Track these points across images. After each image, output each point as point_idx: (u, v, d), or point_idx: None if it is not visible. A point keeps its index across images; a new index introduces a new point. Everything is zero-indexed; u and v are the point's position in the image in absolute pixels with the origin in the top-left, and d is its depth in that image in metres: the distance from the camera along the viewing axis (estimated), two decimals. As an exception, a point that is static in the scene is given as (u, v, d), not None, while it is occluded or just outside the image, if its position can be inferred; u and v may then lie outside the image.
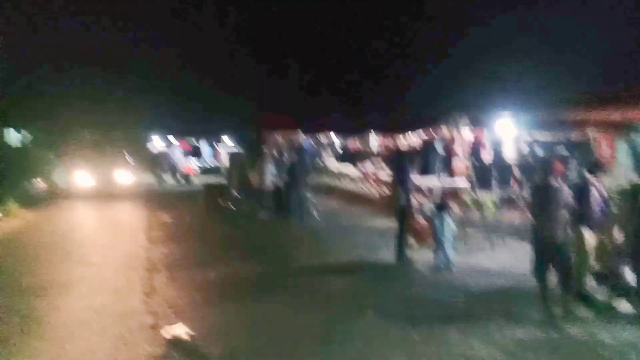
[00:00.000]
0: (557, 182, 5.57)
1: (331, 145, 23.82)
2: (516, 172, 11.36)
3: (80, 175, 15.37)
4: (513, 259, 7.86)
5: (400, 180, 7.67)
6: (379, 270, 7.47)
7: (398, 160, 8.57)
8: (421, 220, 7.53)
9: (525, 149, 12.87)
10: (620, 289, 5.75)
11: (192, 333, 5.00)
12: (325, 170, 18.92)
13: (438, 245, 7.48)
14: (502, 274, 7.12)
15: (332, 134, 23.42)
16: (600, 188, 6.11)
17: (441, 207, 7.72)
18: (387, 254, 8.12)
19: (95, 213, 13.10)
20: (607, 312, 5.48)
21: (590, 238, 5.93)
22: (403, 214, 7.60)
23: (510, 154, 12.53)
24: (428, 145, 11.30)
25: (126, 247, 9.05)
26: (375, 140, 20.53)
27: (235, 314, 5.62)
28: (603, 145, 12.57)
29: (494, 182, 10.99)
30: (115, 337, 5.02)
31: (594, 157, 11.11)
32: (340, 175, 17.68)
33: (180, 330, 5.05)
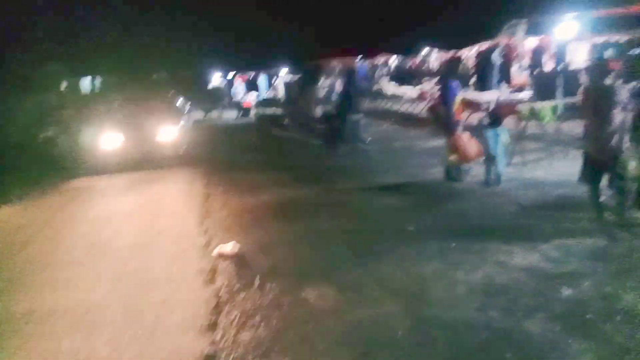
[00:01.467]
0: (612, 82, 5.10)
1: (389, 67, 23.07)
2: (584, 78, 10.47)
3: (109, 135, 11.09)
4: (572, 170, 7.43)
5: (442, 95, 7.35)
6: (426, 189, 7.40)
7: (442, 75, 8.17)
8: (466, 136, 7.24)
9: (594, 53, 11.80)
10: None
11: (240, 250, 5.28)
12: (382, 94, 18.47)
13: (488, 160, 7.23)
14: (558, 185, 6.81)
15: (392, 56, 22.61)
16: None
17: (492, 120, 7.36)
18: (437, 173, 7.98)
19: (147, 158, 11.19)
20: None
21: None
22: (447, 130, 7.36)
23: (577, 60, 11.55)
24: (484, 57, 10.63)
25: (185, 178, 9.51)
26: (435, 58, 19.62)
27: (282, 232, 5.85)
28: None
29: (558, 91, 10.26)
30: (172, 254, 5.43)
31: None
32: (397, 98, 17.21)
33: (230, 247, 5.34)
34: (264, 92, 23.58)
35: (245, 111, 21.38)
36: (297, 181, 8.48)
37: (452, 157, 7.28)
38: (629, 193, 5.35)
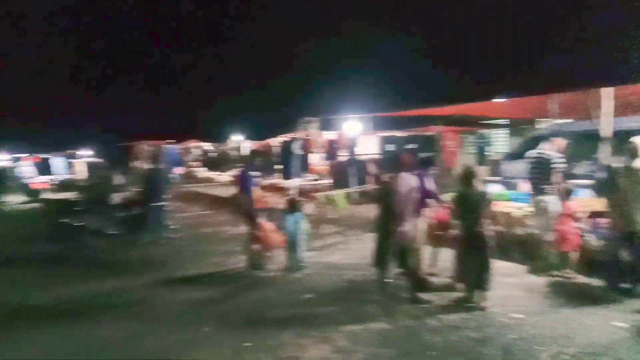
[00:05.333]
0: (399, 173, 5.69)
1: (202, 153, 23.08)
2: (371, 167, 11.80)
3: None
4: (366, 252, 8.01)
5: (241, 184, 7.41)
6: (228, 279, 7.14)
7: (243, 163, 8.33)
8: (268, 225, 7.35)
9: (379, 146, 13.55)
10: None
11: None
12: (193, 178, 18.19)
13: (290, 246, 7.37)
14: (353, 268, 7.20)
15: (203, 142, 22.71)
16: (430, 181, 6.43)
17: (292, 207, 7.61)
18: (242, 261, 7.81)
19: None
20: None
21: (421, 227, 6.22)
22: (248, 218, 7.38)
23: (365, 152, 13.03)
24: (286, 148, 11.27)
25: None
26: (246, 146, 20.27)
27: (64, 337, 4.93)
28: (447, 139, 13.60)
29: (351, 179, 11.29)
30: None
31: (436, 151, 12.01)
32: (208, 182, 17.09)
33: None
34: (60, 175, 21.24)
35: (36, 194, 18.88)
36: (83, 277, 7.47)
37: (254, 247, 7.25)
38: (415, 275, 5.89)
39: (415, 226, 6.10)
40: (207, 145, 22.19)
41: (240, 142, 19.51)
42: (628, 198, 5.47)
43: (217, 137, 19.30)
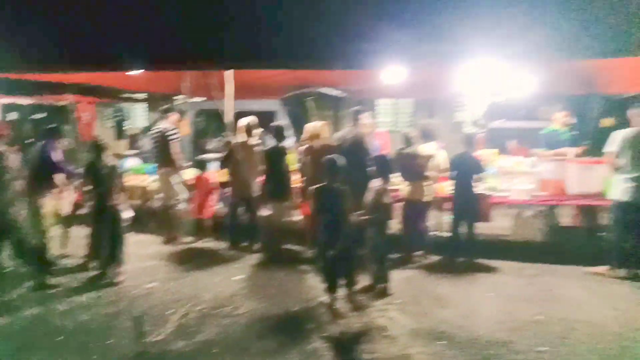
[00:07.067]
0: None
1: None
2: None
3: None
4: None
5: None
6: None
7: None
8: None
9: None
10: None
11: None
12: None
13: None
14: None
15: None
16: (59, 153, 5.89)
17: None
18: None
19: None
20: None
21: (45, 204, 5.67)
22: None
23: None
24: None
25: None
26: None
27: None
28: (82, 110, 12.65)
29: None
30: None
31: (69, 123, 11.01)
32: None
33: None
34: None
35: None
36: None
37: None
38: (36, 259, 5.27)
39: (38, 205, 5.51)
40: None
41: None
42: (243, 169, 6.36)
43: None
